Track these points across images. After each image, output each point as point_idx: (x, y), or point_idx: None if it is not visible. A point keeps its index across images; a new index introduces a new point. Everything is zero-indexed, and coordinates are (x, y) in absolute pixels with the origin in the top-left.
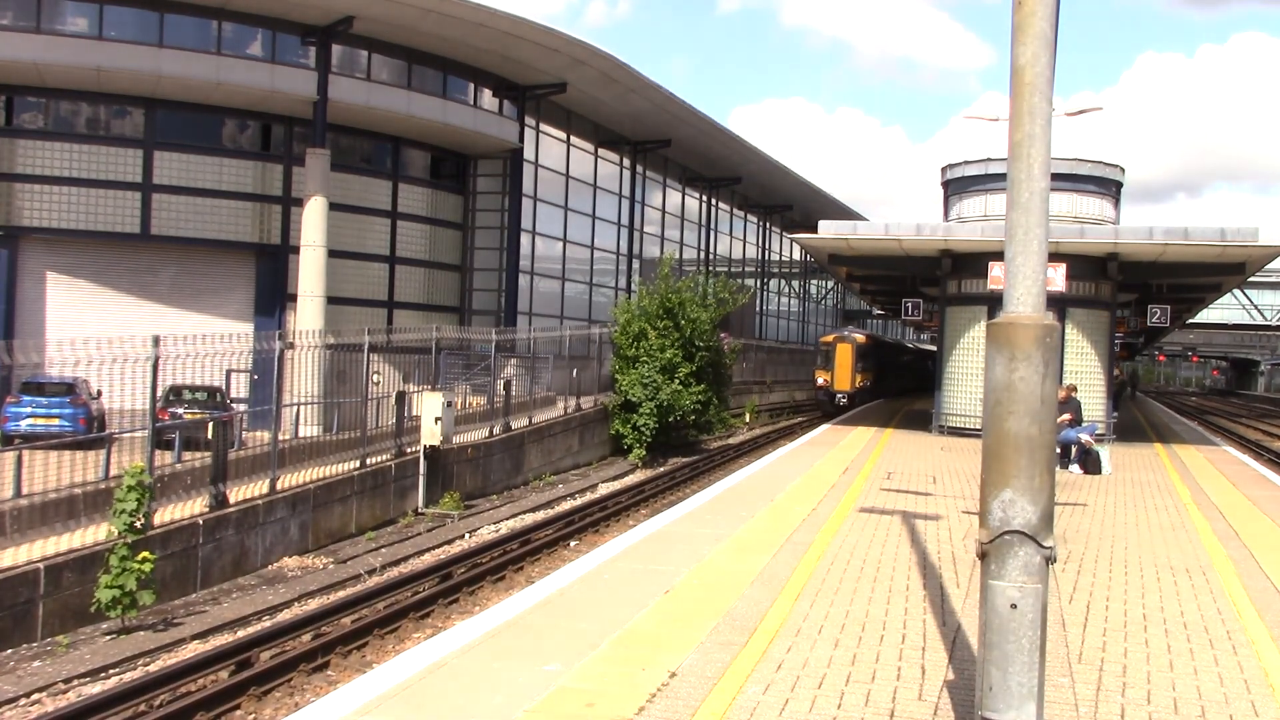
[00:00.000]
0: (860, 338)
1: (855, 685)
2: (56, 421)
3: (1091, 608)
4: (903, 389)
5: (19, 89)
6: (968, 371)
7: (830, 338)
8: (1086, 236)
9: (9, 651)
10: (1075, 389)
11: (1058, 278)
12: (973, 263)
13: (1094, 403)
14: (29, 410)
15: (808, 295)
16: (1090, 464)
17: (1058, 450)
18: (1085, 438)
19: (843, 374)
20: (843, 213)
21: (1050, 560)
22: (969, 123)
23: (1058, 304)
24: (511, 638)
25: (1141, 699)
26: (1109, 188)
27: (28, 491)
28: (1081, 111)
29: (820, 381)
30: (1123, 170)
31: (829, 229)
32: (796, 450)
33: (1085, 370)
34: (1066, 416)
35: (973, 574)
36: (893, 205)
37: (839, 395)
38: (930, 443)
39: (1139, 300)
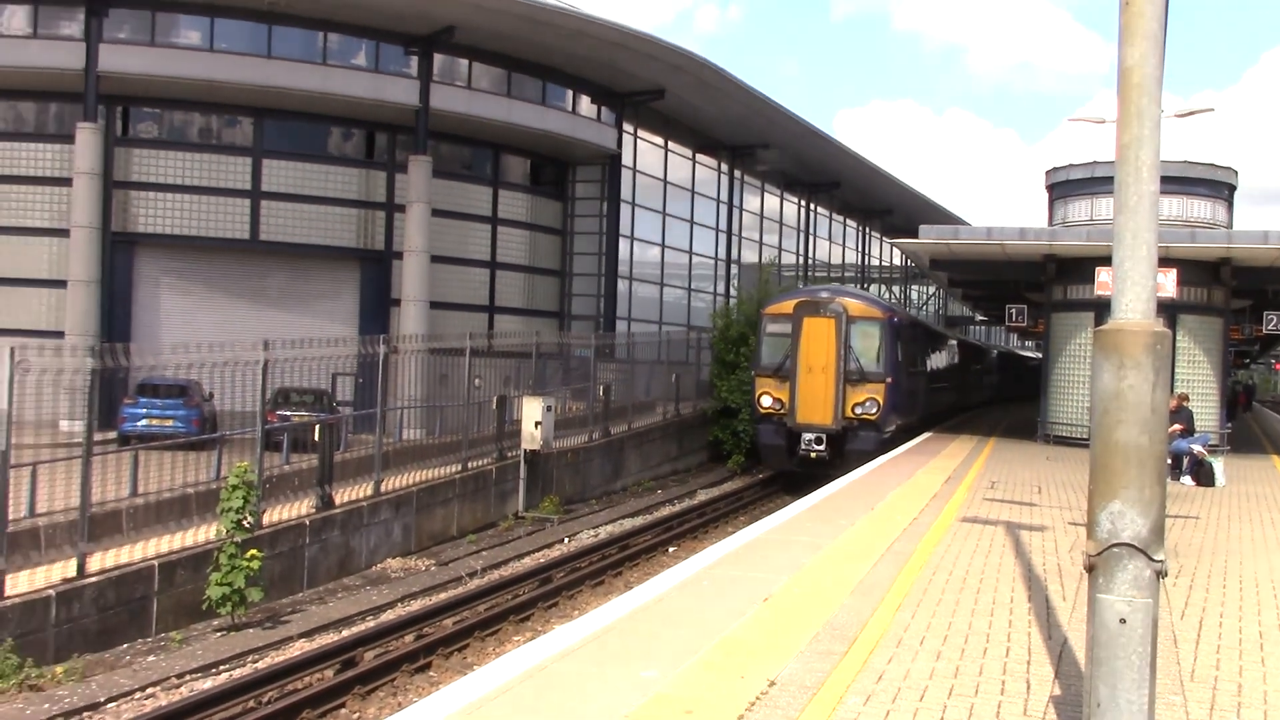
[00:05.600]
0: (857, 305)
1: (958, 698)
2: (170, 423)
3: (1204, 624)
4: (958, 406)
5: (135, 100)
6: (1074, 379)
7: (788, 305)
8: (1197, 241)
9: (125, 646)
10: (1187, 398)
11: (1169, 283)
12: (1078, 268)
13: (1206, 413)
14: (144, 411)
15: (909, 301)
16: (1203, 476)
17: (1168, 461)
18: (1197, 449)
19: (815, 389)
20: (944, 217)
21: (1161, 574)
22: (1078, 125)
23: (1168, 310)
24: (610, 643)
25: (1258, 719)
26: (1221, 190)
27: (143, 491)
28: (1191, 113)
29: (765, 404)
30: (1236, 173)
31: (930, 233)
32: (896, 459)
33: (1197, 379)
34: (1177, 427)
35: (1079, 587)
36: (1002, 208)
37: (809, 439)
38: (1035, 452)
39: (1254, 306)
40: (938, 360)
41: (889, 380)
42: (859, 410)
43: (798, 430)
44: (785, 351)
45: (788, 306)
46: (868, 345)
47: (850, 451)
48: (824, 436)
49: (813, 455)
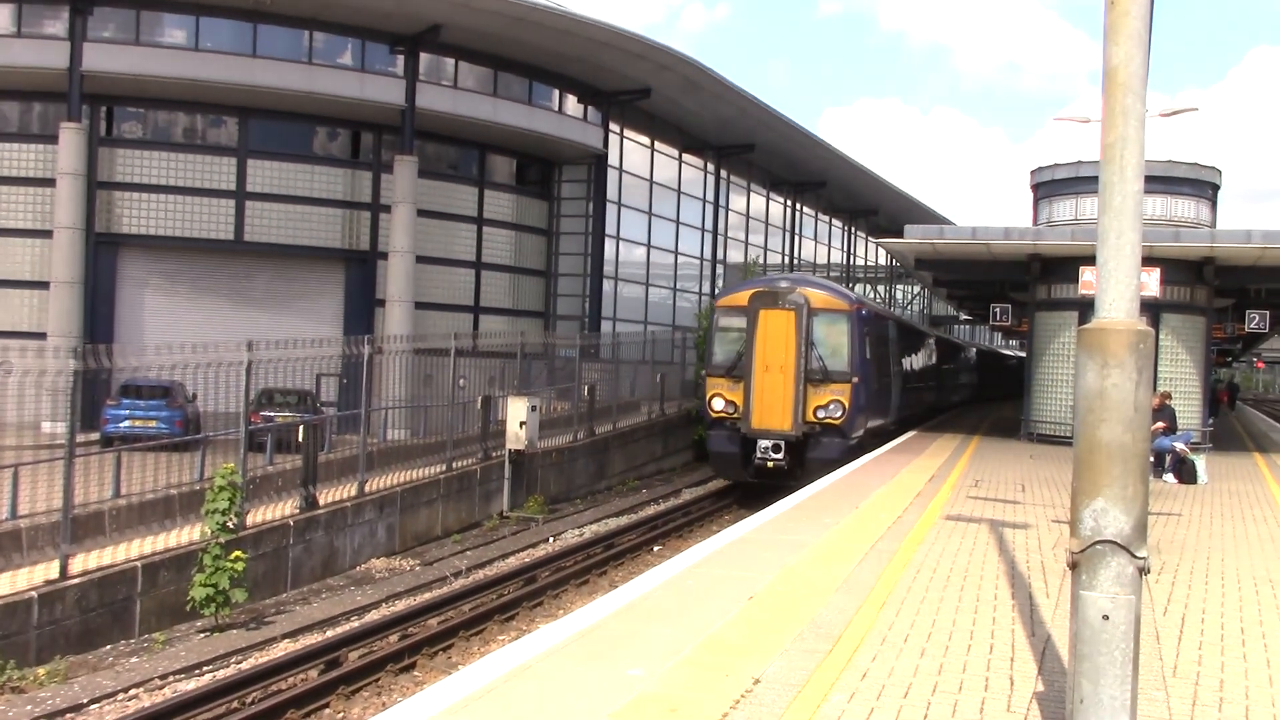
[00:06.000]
0: (820, 296)
1: (941, 695)
2: (154, 424)
3: (1186, 620)
4: (935, 407)
5: (119, 99)
6: (1058, 378)
7: (743, 296)
8: (1181, 240)
9: (108, 647)
10: (1169, 396)
11: (1152, 282)
12: (1063, 267)
13: (1189, 411)
14: (127, 412)
15: (894, 301)
16: (1185, 473)
17: (1151, 459)
18: (1180, 446)
19: (772, 391)
20: (929, 217)
21: (1144, 571)
22: (1063, 124)
23: (1151, 309)
24: (595, 642)
25: (1239, 715)
26: (1205, 190)
27: (126, 492)
28: (1176, 112)
29: (717, 407)
30: (1219, 172)
31: (915, 233)
32: (881, 457)
33: (1180, 377)
34: (1160, 425)
35: (1063, 584)
36: (988, 207)
37: (765, 447)
38: (1019, 450)
39: (1236, 305)
40: (911, 357)
41: (856, 380)
42: (822, 414)
43: (753, 437)
44: (740, 348)
45: (742, 298)
46: (832, 340)
47: (812, 460)
48: (782, 444)
49: (770, 465)
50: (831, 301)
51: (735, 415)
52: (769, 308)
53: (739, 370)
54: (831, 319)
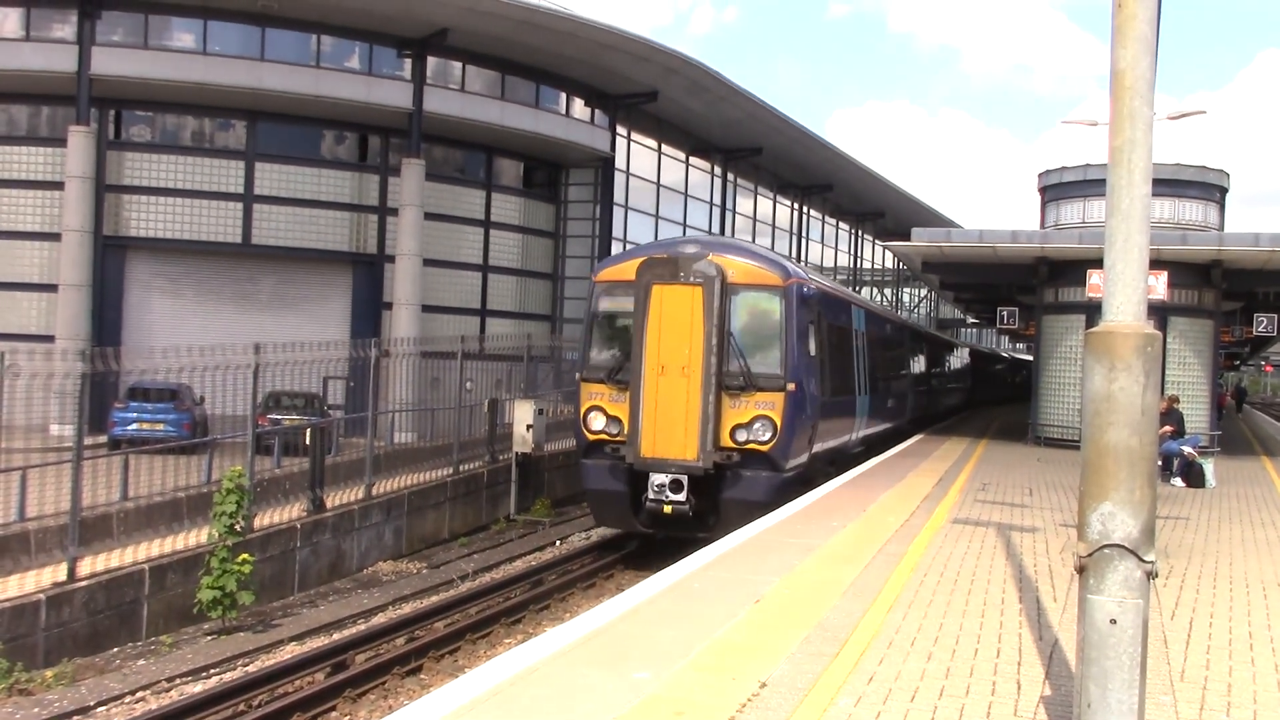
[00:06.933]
0: (742, 266)
1: (948, 699)
2: (161, 426)
3: (1195, 625)
4: (918, 417)
5: (128, 103)
6: (1065, 381)
7: (630, 268)
8: (1189, 243)
9: (115, 650)
10: (1177, 400)
11: (1159, 286)
12: (1070, 270)
13: (1197, 414)
14: (135, 415)
15: (901, 304)
16: (1193, 477)
17: (1159, 463)
18: (1188, 450)
19: (671, 403)
20: (936, 220)
21: (1151, 575)
22: (1072, 126)
23: (1159, 312)
24: (602, 645)
25: (1247, 719)
26: (1213, 193)
27: (134, 494)
28: (1184, 115)
29: (595, 427)
30: (1227, 175)
31: (922, 236)
32: (888, 461)
33: (1188, 381)
34: (1168, 428)
35: (1070, 588)
36: (996, 210)
37: (661, 484)
38: (1026, 454)
39: (1244, 308)
40: (885, 356)
41: (792, 387)
42: (743, 436)
43: (643, 469)
44: (629, 337)
45: (629, 269)
46: (759, 330)
47: (729, 502)
48: (684, 480)
49: (667, 510)
50: (758, 274)
51: (619, 438)
52: (666, 282)
53: (625, 374)
54: (758, 298)
